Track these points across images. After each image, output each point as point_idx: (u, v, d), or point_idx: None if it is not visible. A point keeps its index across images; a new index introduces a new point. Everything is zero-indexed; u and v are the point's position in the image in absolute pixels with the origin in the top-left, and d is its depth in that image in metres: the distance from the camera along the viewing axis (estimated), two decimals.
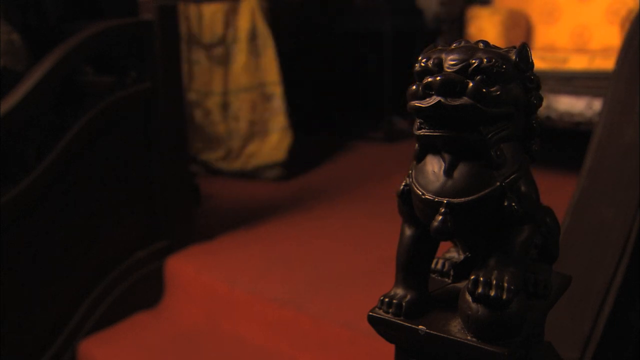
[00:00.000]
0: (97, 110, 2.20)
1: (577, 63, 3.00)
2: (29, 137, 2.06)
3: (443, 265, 0.82)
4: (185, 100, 2.54)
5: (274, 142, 3.57)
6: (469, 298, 0.66)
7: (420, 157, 0.71)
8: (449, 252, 0.86)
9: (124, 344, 2.20)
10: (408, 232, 0.74)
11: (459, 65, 0.66)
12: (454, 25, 3.61)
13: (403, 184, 0.73)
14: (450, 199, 0.66)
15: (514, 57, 0.69)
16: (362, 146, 4.27)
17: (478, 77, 0.65)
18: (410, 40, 4.27)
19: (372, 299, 0.77)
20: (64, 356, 2.17)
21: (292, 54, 4.86)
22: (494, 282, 0.65)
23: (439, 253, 0.79)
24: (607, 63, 2.72)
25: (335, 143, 4.39)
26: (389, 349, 0.76)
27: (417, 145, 0.71)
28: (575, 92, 2.94)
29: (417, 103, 0.67)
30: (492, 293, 0.64)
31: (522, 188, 0.68)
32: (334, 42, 4.55)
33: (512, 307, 0.65)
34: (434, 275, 0.82)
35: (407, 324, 0.71)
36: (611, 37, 3.38)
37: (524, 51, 0.70)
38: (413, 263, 0.74)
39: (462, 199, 0.66)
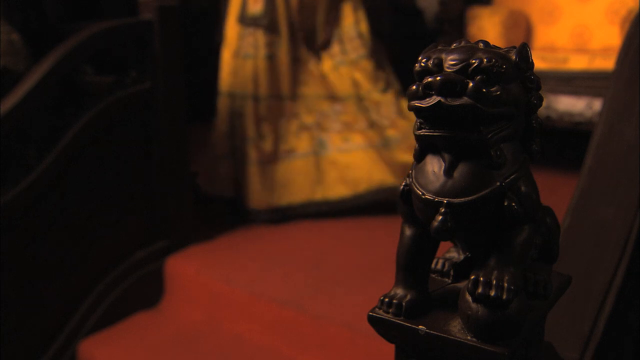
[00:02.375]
0: (97, 110, 2.20)
1: (577, 63, 3.00)
2: (29, 137, 2.06)
3: (443, 265, 0.82)
4: (184, 100, 2.52)
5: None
6: (469, 298, 0.66)
7: (420, 157, 0.71)
8: (449, 252, 0.86)
9: (124, 344, 2.20)
10: (408, 232, 0.74)
11: (459, 65, 0.66)
12: (454, 25, 3.61)
13: (403, 183, 0.73)
14: (450, 199, 0.66)
15: (514, 57, 0.69)
16: None
17: (478, 77, 0.65)
18: (410, 40, 4.27)
19: (372, 299, 0.77)
20: (64, 356, 2.16)
21: None
22: (494, 282, 0.65)
23: (439, 253, 0.79)
24: (607, 63, 2.72)
25: None
26: (389, 349, 0.76)
27: (417, 145, 0.71)
28: (575, 92, 2.94)
29: (417, 103, 0.67)
30: (492, 293, 0.64)
31: (522, 188, 0.68)
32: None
33: (512, 307, 0.65)
34: (434, 275, 0.82)
35: (407, 324, 0.71)
36: (611, 37, 3.38)
37: (524, 51, 0.70)
38: (413, 263, 0.74)
39: (462, 199, 0.66)
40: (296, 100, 2.86)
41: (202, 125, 3.76)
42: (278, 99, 2.82)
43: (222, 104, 2.89)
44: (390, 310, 0.72)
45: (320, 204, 2.75)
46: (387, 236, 2.44)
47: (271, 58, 2.78)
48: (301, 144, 2.79)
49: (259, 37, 2.76)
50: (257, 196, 2.74)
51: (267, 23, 2.75)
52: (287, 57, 2.80)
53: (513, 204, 0.66)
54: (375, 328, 0.74)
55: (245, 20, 2.80)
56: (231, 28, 2.85)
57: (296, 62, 2.86)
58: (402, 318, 0.72)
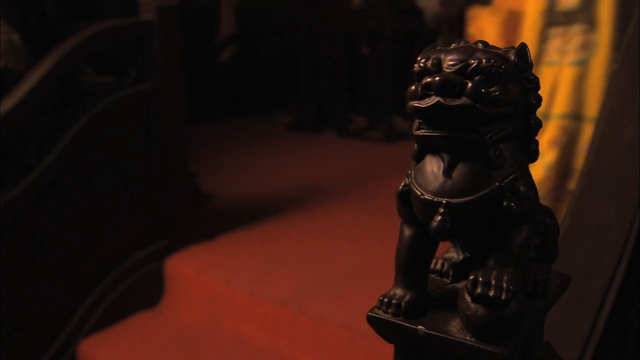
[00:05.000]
0: (97, 110, 2.20)
1: None
2: (29, 137, 2.06)
3: (442, 265, 0.82)
4: (184, 100, 2.51)
5: None
6: (468, 298, 0.66)
7: (419, 157, 0.71)
8: (448, 252, 0.86)
9: (124, 344, 2.20)
10: (407, 232, 0.74)
11: (458, 66, 0.66)
12: (454, 25, 3.61)
13: (402, 184, 0.73)
14: (449, 199, 0.66)
15: (513, 57, 0.69)
16: (362, 146, 4.27)
17: (477, 78, 0.65)
18: (410, 40, 4.27)
19: (372, 299, 0.77)
20: (64, 356, 2.16)
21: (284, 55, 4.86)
22: (493, 282, 0.65)
23: (438, 253, 0.79)
24: None
25: (335, 143, 4.39)
26: (389, 349, 0.76)
27: (416, 145, 0.71)
28: None
29: (416, 103, 0.67)
30: (491, 293, 0.64)
31: (521, 188, 0.68)
32: (333, 42, 4.55)
33: (511, 307, 0.65)
34: (433, 275, 0.82)
35: (406, 324, 0.71)
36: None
37: (523, 51, 0.70)
38: (412, 263, 0.74)
39: (461, 199, 0.66)
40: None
41: (202, 125, 3.75)
42: (576, 120, 2.14)
43: None
44: (390, 311, 0.72)
45: None
46: (386, 236, 2.44)
47: (581, 65, 2.10)
48: None
49: (572, 37, 2.13)
50: None
51: (585, 18, 2.10)
52: (602, 66, 2.07)
53: (512, 204, 0.66)
54: (374, 328, 0.74)
55: (554, 17, 2.19)
56: (530, 29, 2.26)
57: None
58: (401, 318, 0.72)
